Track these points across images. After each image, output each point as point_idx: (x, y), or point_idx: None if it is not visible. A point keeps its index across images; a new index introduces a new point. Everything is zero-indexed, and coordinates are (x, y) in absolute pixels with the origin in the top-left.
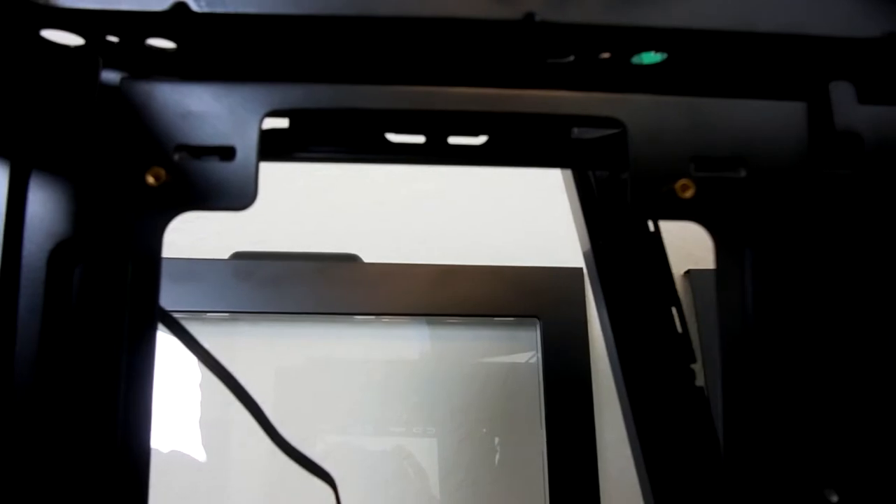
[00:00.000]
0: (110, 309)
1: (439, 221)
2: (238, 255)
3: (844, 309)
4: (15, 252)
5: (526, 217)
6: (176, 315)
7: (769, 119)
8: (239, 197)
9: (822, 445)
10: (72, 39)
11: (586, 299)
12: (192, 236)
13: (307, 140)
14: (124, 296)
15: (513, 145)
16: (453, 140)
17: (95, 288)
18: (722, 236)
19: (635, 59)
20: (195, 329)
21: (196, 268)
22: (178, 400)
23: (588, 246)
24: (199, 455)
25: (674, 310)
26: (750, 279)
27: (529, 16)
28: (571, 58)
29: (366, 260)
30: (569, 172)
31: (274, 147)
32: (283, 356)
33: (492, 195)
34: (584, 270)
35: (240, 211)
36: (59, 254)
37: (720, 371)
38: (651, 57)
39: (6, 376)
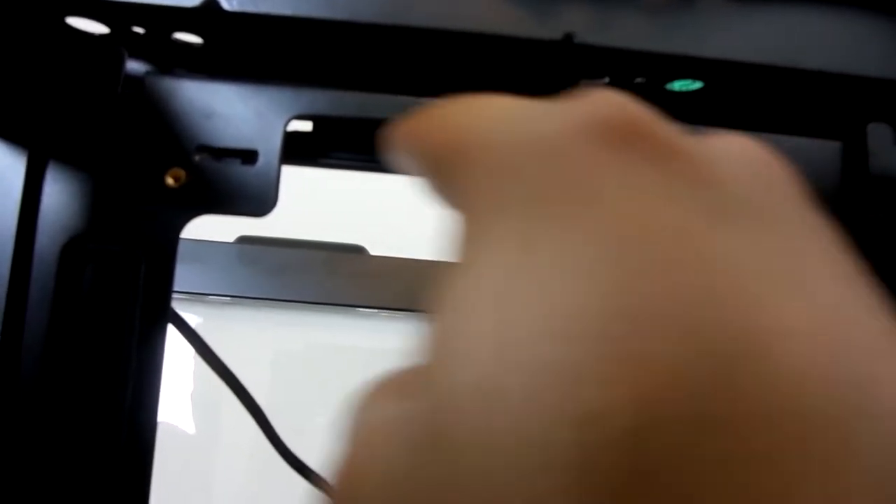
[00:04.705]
0: (120, 309)
1: (449, 218)
2: (244, 239)
3: None
4: (27, 244)
5: None
6: (177, 296)
7: (802, 157)
8: (259, 203)
9: None
10: (97, 28)
11: None
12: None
13: (330, 146)
14: (136, 297)
15: None
16: None
17: (107, 287)
18: None
19: (670, 86)
20: (196, 310)
21: (200, 249)
22: (170, 373)
23: None
24: (189, 428)
25: None
26: None
27: (569, 36)
28: (606, 80)
29: (372, 252)
30: None
31: (295, 151)
32: (282, 343)
33: None
34: None
35: (259, 217)
36: (72, 249)
37: None
38: (686, 85)
39: (13, 369)
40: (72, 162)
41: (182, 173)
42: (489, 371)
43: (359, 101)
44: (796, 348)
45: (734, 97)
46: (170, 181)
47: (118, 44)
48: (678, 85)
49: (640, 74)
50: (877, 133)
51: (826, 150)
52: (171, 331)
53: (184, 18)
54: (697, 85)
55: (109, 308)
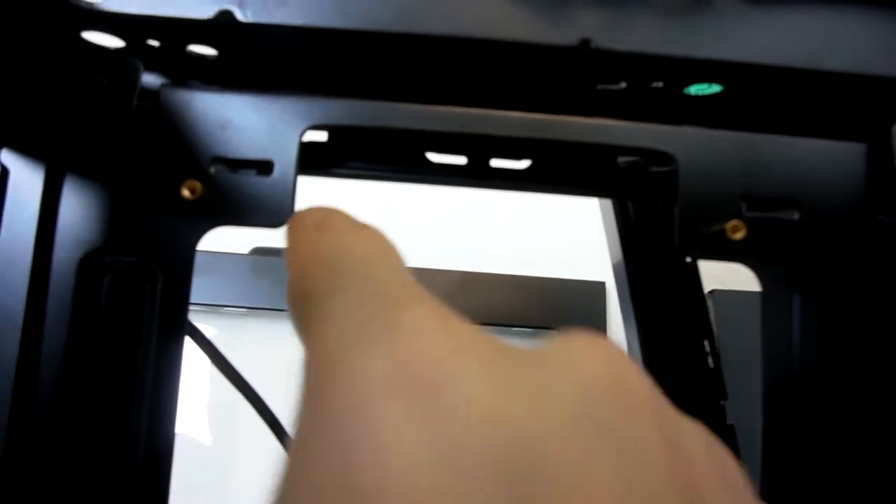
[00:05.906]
0: (138, 322)
1: (460, 227)
2: (258, 251)
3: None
4: (45, 258)
5: (548, 226)
6: (193, 308)
7: (827, 160)
8: (274, 213)
9: (865, 499)
10: (112, 41)
11: (607, 315)
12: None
13: (345, 155)
14: (153, 309)
15: (556, 171)
16: (495, 163)
17: (124, 299)
18: (771, 281)
19: (688, 90)
20: (211, 322)
21: (215, 261)
22: (187, 384)
23: (622, 269)
24: (206, 439)
25: (706, 343)
26: (798, 327)
27: (585, 42)
28: (623, 85)
29: None
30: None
31: (311, 161)
32: (298, 353)
33: (515, 202)
34: (606, 285)
35: (275, 228)
36: (89, 262)
37: (763, 420)
38: (703, 88)
39: (31, 381)
40: (89, 175)
41: (198, 185)
42: None
43: (374, 110)
44: None
45: (754, 100)
46: (186, 193)
47: (133, 57)
48: (694, 89)
49: (658, 79)
50: None
51: (851, 152)
52: (188, 342)
53: (198, 31)
54: (716, 88)
55: (127, 320)
